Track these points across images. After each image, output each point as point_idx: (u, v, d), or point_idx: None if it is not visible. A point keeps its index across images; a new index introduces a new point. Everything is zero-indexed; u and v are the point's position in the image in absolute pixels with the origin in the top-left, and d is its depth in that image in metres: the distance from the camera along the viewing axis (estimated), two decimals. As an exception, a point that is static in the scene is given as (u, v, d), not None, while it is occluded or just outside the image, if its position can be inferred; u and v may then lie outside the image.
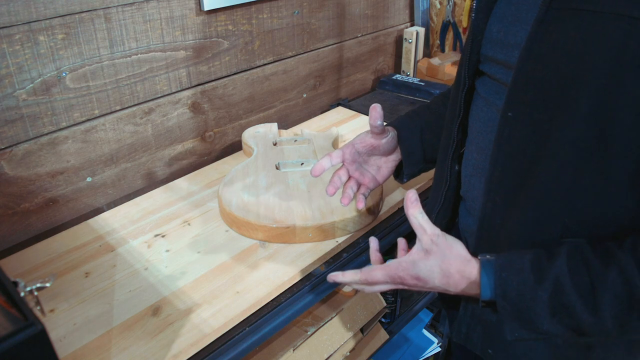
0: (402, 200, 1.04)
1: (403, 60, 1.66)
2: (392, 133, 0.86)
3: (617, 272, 0.54)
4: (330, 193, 0.86)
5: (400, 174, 0.90)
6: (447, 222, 0.79)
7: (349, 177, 0.89)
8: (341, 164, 0.88)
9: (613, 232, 0.58)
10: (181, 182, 1.11)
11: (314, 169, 0.85)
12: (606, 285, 0.54)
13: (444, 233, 0.64)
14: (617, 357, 0.66)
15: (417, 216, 0.65)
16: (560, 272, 0.56)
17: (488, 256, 0.62)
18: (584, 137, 0.55)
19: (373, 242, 0.77)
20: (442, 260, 0.62)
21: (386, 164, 0.89)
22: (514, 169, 0.61)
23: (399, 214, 1.03)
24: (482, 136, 0.69)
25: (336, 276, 0.72)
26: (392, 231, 1.00)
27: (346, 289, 1.05)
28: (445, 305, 0.86)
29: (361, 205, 0.89)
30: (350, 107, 1.45)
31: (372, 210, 0.97)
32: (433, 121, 0.87)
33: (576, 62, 0.53)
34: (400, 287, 0.67)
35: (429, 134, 0.87)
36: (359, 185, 0.89)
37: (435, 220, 0.77)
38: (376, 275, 0.67)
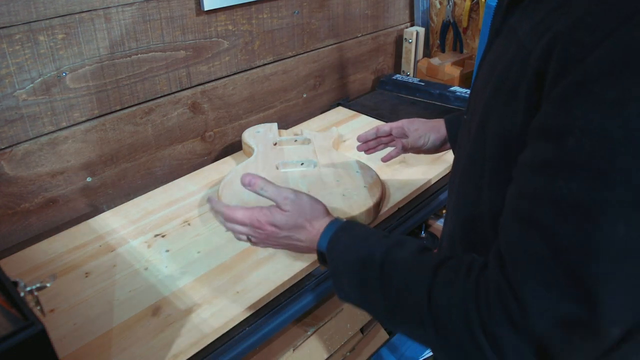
0: (402, 200, 1.04)
1: (403, 60, 1.66)
2: (433, 137, 0.95)
3: (418, 263, 0.56)
4: (360, 144, 1.01)
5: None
6: None
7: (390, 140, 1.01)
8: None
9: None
10: (181, 182, 1.11)
11: (360, 136, 1.01)
12: (404, 273, 0.56)
13: (296, 193, 0.72)
14: None
15: (260, 192, 0.73)
16: (379, 249, 0.60)
17: (343, 219, 0.70)
18: (473, 149, 0.58)
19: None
20: (296, 216, 0.70)
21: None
22: (453, 173, 0.69)
23: (400, 213, 1.03)
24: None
25: (212, 200, 0.76)
26: (392, 231, 1.00)
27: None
28: None
29: (387, 157, 1.00)
30: (350, 107, 1.45)
31: (372, 210, 0.97)
32: None
33: (487, 74, 0.57)
34: (257, 233, 0.72)
35: None
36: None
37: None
38: (237, 213, 0.72)
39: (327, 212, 0.72)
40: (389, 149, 1.02)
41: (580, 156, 0.41)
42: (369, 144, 1.02)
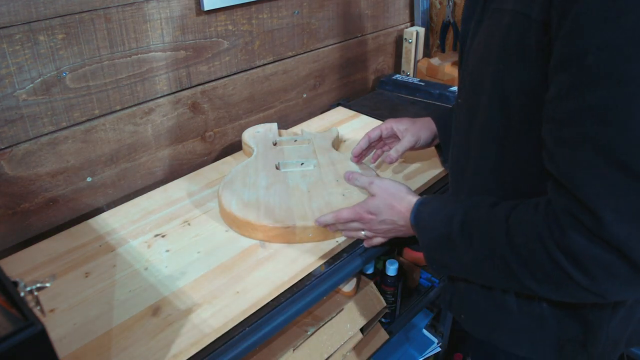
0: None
1: (403, 60, 1.66)
2: (424, 135, 1.00)
3: (496, 212, 0.63)
4: (355, 158, 1.05)
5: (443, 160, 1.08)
6: None
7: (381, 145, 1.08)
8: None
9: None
10: (181, 182, 1.11)
11: (354, 150, 1.04)
12: (482, 227, 0.63)
13: (380, 178, 0.84)
14: (572, 333, 0.69)
15: (356, 183, 0.89)
16: (457, 211, 0.67)
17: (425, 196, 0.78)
18: (493, 119, 0.64)
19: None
20: (384, 198, 0.80)
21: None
22: (459, 150, 0.74)
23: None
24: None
25: (318, 218, 0.87)
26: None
27: (346, 288, 1.05)
28: (444, 279, 0.95)
29: (389, 159, 0.98)
30: (350, 107, 1.45)
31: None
32: None
33: (486, 52, 0.63)
34: (364, 225, 0.84)
35: None
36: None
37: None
38: (343, 213, 0.84)
39: (410, 190, 0.81)
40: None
41: (602, 66, 0.48)
42: (364, 155, 1.07)
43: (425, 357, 1.43)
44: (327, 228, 0.89)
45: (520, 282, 0.60)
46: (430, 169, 1.13)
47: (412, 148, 1.00)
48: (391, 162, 0.99)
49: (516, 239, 0.58)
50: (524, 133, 0.61)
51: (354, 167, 1.07)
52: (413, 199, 0.77)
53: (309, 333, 0.96)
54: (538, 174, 0.61)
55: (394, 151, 0.98)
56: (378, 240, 0.87)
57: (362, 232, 0.87)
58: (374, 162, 1.08)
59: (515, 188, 0.66)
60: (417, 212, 0.75)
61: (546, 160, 0.57)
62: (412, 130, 1.00)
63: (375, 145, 1.07)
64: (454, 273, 0.74)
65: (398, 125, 1.01)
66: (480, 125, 0.67)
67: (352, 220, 0.85)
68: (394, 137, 1.04)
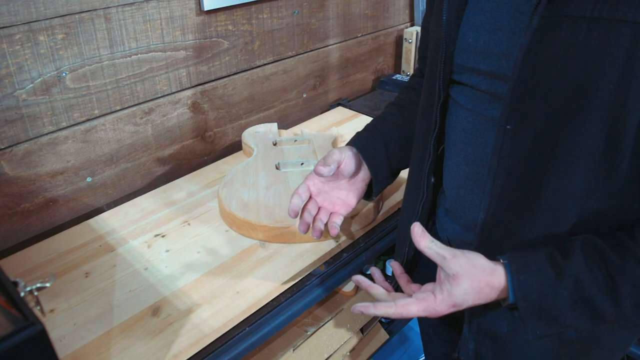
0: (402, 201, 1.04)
1: (403, 60, 1.66)
2: (347, 154, 0.83)
3: (634, 263, 0.55)
4: (303, 230, 0.82)
5: (369, 193, 0.88)
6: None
7: (319, 209, 0.85)
8: (309, 197, 0.85)
9: (620, 223, 0.60)
10: (181, 182, 1.11)
11: (290, 212, 0.81)
12: (624, 277, 0.56)
13: (461, 251, 0.62)
14: (623, 340, 0.69)
15: (431, 246, 0.63)
16: (578, 268, 0.57)
17: (501, 260, 0.61)
18: (595, 143, 0.55)
19: (377, 274, 0.75)
20: (471, 279, 0.60)
21: (354, 186, 0.86)
22: (517, 182, 0.61)
23: (399, 214, 1.03)
24: (472, 148, 0.67)
25: (366, 308, 0.66)
26: (392, 231, 1.00)
27: (346, 288, 1.05)
28: (444, 329, 0.86)
29: (334, 232, 0.83)
30: (350, 107, 1.45)
31: (372, 211, 0.97)
32: (396, 134, 0.86)
33: (582, 70, 0.53)
34: (434, 315, 0.64)
35: (394, 148, 0.85)
36: (331, 213, 0.86)
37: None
38: (411, 309, 0.64)
39: (487, 260, 0.62)
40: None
41: None
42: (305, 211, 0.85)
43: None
44: (359, 308, 0.67)
45: None
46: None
47: (339, 167, 0.82)
48: (335, 231, 0.83)
49: None
50: (628, 150, 0.55)
51: None
52: (502, 273, 0.60)
53: (309, 333, 0.96)
54: (635, 196, 0.58)
55: (321, 166, 0.80)
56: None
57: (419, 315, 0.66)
58: (317, 236, 0.83)
59: (594, 217, 0.59)
60: (520, 285, 0.59)
61: None
62: (332, 152, 0.83)
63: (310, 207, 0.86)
64: (565, 330, 0.62)
65: (319, 163, 0.83)
66: (565, 154, 0.57)
67: (419, 314, 0.64)
68: (323, 192, 0.86)
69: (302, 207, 0.83)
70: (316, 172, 0.81)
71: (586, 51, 0.52)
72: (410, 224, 0.68)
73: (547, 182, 0.59)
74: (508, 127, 0.59)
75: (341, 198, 0.86)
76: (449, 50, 0.65)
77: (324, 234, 0.84)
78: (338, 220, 0.85)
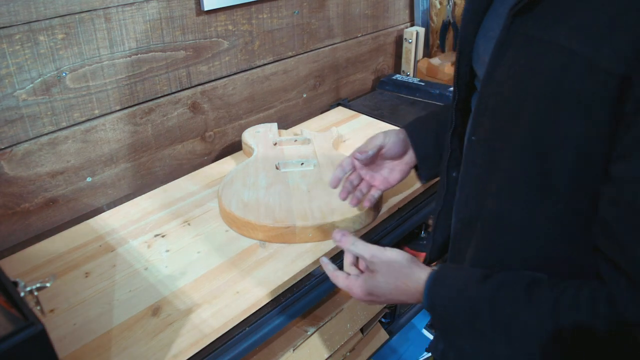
0: (402, 201, 1.04)
1: (403, 60, 1.66)
2: (392, 139, 0.86)
3: (543, 313, 0.52)
4: (342, 197, 0.90)
5: (420, 175, 0.90)
6: (450, 223, 0.77)
7: (360, 180, 0.92)
8: (352, 170, 0.90)
9: (572, 271, 0.56)
10: (181, 182, 1.11)
11: (331, 181, 0.88)
12: (521, 322, 0.53)
13: (382, 250, 0.68)
14: None
15: (351, 248, 0.71)
16: (482, 296, 0.56)
17: (432, 267, 0.64)
18: (524, 171, 0.53)
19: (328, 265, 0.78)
20: (386, 277, 0.66)
21: (399, 167, 0.89)
22: (473, 194, 0.62)
23: (399, 214, 1.03)
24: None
25: (325, 264, 0.76)
26: (392, 231, 1.00)
27: (346, 289, 1.05)
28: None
29: (367, 204, 0.91)
30: (350, 107, 1.45)
31: (372, 211, 0.97)
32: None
33: (519, 90, 0.52)
34: (362, 300, 0.70)
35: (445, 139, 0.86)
36: (370, 187, 0.92)
37: (438, 221, 0.79)
38: (339, 281, 0.73)
39: (415, 261, 0.67)
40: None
41: None
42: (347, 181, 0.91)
43: (425, 357, 1.43)
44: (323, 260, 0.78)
45: None
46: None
47: (380, 151, 0.87)
48: (373, 200, 0.90)
49: (578, 344, 0.50)
50: (567, 196, 0.52)
51: None
52: (422, 276, 0.64)
53: (309, 333, 0.96)
54: (570, 238, 0.54)
55: (358, 152, 0.86)
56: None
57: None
58: (354, 204, 0.92)
59: (542, 252, 0.56)
60: (432, 295, 0.62)
61: (607, 239, 0.49)
62: (377, 136, 0.88)
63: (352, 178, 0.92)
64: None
65: (362, 146, 0.89)
66: (506, 175, 0.56)
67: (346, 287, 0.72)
68: (367, 166, 0.91)
69: (343, 179, 0.89)
70: (354, 156, 0.87)
71: (527, 73, 0.51)
72: (436, 214, 0.75)
73: (490, 201, 0.59)
74: (473, 138, 0.61)
75: (384, 175, 0.91)
76: (463, 53, 0.65)
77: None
78: (375, 194, 0.91)
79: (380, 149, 0.86)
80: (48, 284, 0.56)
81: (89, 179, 1.03)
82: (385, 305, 0.73)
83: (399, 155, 0.88)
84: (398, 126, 1.32)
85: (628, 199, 0.46)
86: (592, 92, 0.46)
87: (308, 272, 0.86)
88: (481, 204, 0.61)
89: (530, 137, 0.52)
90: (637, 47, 0.42)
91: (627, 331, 0.47)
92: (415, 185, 1.08)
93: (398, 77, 1.58)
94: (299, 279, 0.85)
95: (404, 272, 0.65)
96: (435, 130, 0.86)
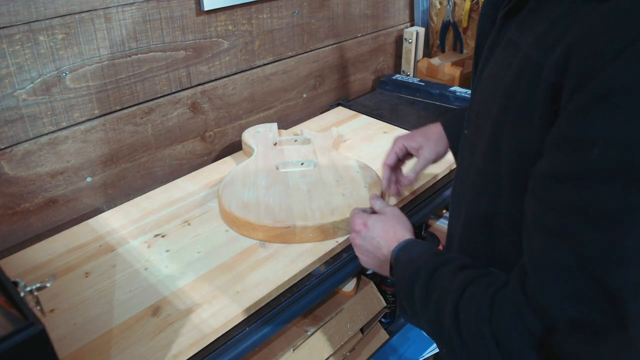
0: (402, 201, 1.04)
1: (403, 60, 1.66)
2: (438, 155, 0.93)
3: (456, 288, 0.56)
4: (384, 189, 0.98)
5: None
6: None
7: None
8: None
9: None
10: (181, 182, 1.11)
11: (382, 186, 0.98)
12: (439, 289, 0.59)
13: (396, 208, 0.83)
14: None
15: (376, 203, 0.87)
16: (427, 267, 0.62)
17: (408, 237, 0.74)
18: (488, 168, 0.58)
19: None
20: (385, 221, 0.78)
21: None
22: (460, 184, 0.68)
23: (399, 214, 1.03)
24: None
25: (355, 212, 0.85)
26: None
27: (346, 288, 1.05)
28: None
29: (407, 182, 0.95)
30: (350, 107, 1.45)
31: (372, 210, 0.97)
32: None
33: (492, 90, 0.56)
34: (354, 232, 0.81)
35: None
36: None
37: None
38: (352, 214, 0.84)
39: (412, 232, 0.76)
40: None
41: (606, 166, 0.41)
42: (391, 184, 0.99)
43: (425, 357, 1.43)
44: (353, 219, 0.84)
45: (455, 354, 0.55)
46: (429, 171, 1.13)
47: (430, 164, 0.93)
48: (410, 184, 0.95)
49: (461, 316, 0.54)
50: (510, 196, 0.55)
51: (354, 165, 1.07)
52: (407, 236, 0.73)
53: (309, 333, 0.96)
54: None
55: (412, 172, 0.93)
56: (356, 245, 0.82)
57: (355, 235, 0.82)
58: (395, 194, 1.00)
59: (501, 250, 0.59)
60: (399, 252, 0.70)
61: (524, 236, 0.51)
62: (427, 147, 0.92)
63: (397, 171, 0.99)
64: (415, 323, 0.69)
65: (410, 143, 0.93)
66: (476, 170, 0.60)
67: (354, 221, 0.82)
68: (408, 155, 0.96)
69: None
70: (407, 183, 0.96)
71: (499, 74, 0.55)
72: (454, 203, 0.78)
73: (465, 193, 0.64)
74: (465, 131, 0.66)
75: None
76: (479, 47, 0.68)
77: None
78: (419, 168, 0.95)
79: (430, 164, 0.93)
80: (48, 284, 0.56)
81: (89, 179, 1.03)
82: (359, 257, 0.82)
83: (442, 157, 0.94)
84: (399, 126, 1.33)
85: (539, 192, 0.48)
86: (535, 98, 0.48)
87: (308, 272, 0.86)
88: (462, 198, 0.66)
89: (493, 136, 0.55)
90: (565, 57, 0.45)
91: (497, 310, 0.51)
92: (415, 186, 1.08)
93: (398, 77, 1.58)
94: (299, 279, 0.85)
95: (399, 227, 0.76)
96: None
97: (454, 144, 0.91)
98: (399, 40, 1.67)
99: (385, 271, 0.75)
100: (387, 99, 1.51)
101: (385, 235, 0.75)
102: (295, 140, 1.17)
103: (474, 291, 0.54)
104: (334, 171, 1.05)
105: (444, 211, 1.38)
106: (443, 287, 0.58)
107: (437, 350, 1.44)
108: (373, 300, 1.08)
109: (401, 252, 0.70)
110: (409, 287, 0.63)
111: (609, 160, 0.41)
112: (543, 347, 0.46)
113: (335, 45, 1.45)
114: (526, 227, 0.50)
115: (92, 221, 0.98)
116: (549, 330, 0.46)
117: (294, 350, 0.94)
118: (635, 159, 0.40)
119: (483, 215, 0.61)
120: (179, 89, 1.12)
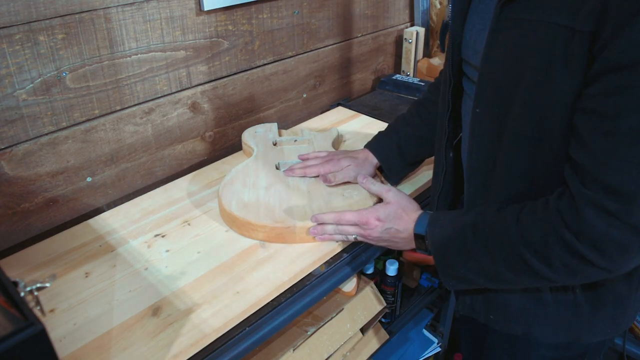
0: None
1: (403, 60, 1.66)
2: (366, 170, 1.02)
3: (510, 224, 0.67)
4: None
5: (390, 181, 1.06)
6: (450, 202, 0.91)
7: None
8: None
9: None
10: (181, 182, 1.11)
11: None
12: (495, 232, 0.68)
13: (397, 189, 0.88)
14: (605, 311, 0.75)
15: (370, 187, 0.93)
16: (466, 223, 0.71)
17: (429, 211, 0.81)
18: (526, 126, 0.65)
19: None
20: (394, 208, 0.84)
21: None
22: (484, 158, 0.73)
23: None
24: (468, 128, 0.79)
25: (322, 215, 0.89)
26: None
27: (346, 288, 1.05)
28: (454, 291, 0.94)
29: (326, 180, 0.99)
30: (350, 107, 1.45)
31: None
32: (410, 133, 1.03)
33: (518, 63, 0.63)
34: (364, 230, 0.85)
35: (407, 146, 1.02)
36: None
37: (438, 203, 0.90)
38: (347, 215, 0.86)
39: (420, 208, 0.85)
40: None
41: None
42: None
43: (425, 357, 1.43)
44: (315, 230, 0.89)
45: (538, 276, 0.65)
46: (429, 171, 1.13)
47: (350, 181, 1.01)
48: (329, 183, 1.00)
49: (531, 237, 0.64)
50: (561, 140, 0.63)
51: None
52: (419, 213, 0.82)
53: (309, 333, 0.96)
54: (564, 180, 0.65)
55: (332, 176, 1.00)
56: (368, 241, 0.89)
57: (353, 236, 0.88)
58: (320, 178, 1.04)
59: (545, 192, 0.67)
60: (428, 228, 0.77)
61: (577, 149, 0.61)
62: (353, 166, 1.01)
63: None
64: (472, 285, 0.75)
65: (340, 164, 1.02)
66: (511, 134, 0.67)
67: (355, 224, 0.86)
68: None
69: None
70: (325, 180, 1.01)
71: (523, 47, 0.63)
72: (436, 195, 0.90)
73: (500, 160, 0.70)
74: (477, 110, 0.71)
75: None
76: (455, 43, 0.78)
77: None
78: (339, 179, 1.01)
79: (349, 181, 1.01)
80: (48, 284, 0.56)
81: (89, 179, 1.03)
82: (380, 245, 0.89)
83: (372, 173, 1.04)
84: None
85: (590, 108, 0.58)
86: (574, 52, 0.57)
87: (308, 272, 0.86)
88: (493, 162, 0.71)
89: (531, 99, 0.63)
90: (603, 5, 0.54)
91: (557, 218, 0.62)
92: (415, 185, 1.08)
93: (398, 77, 1.58)
94: (299, 279, 0.85)
95: (410, 208, 0.84)
96: (397, 143, 1.02)
97: (389, 166, 1.03)
98: (399, 40, 1.67)
99: (408, 247, 0.84)
100: (387, 99, 1.51)
101: (400, 221, 0.82)
102: (295, 140, 1.17)
103: (531, 215, 0.64)
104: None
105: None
106: (496, 227, 0.68)
107: (437, 350, 1.44)
108: (373, 300, 1.08)
109: (430, 228, 0.77)
110: (457, 248, 0.72)
111: None
112: (621, 223, 0.57)
113: (335, 45, 1.45)
114: (582, 142, 0.59)
115: (92, 221, 0.98)
116: (622, 203, 0.57)
117: (294, 350, 0.94)
118: None
119: (525, 169, 0.68)
120: (179, 89, 1.12)
